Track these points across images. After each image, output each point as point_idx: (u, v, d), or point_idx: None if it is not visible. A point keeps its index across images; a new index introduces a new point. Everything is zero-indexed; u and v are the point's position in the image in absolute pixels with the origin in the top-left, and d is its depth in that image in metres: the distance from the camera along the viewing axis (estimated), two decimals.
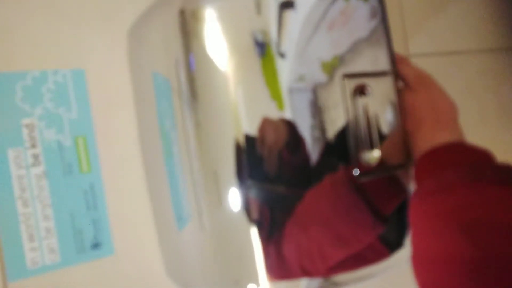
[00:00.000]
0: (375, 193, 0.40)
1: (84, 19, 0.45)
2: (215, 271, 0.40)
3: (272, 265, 0.38)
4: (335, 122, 0.39)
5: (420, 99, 0.41)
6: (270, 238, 0.38)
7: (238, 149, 0.37)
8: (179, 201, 0.41)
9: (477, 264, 0.29)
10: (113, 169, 0.46)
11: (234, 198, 0.38)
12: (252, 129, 0.37)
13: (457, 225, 0.31)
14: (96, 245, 0.44)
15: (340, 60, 0.40)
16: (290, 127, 0.38)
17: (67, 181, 0.43)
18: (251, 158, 0.37)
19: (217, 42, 0.37)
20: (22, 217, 0.41)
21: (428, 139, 0.39)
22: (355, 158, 0.40)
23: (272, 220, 0.38)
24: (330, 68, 0.39)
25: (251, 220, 0.38)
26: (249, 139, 0.37)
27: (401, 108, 0.42)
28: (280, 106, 0.38)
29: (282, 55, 0.38)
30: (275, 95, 0.38)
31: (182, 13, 0.38)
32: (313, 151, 0.39)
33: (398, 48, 0.60)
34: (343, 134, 0.39)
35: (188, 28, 0.38)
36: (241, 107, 0.37)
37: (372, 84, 0.41)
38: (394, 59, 0.42)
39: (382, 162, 0.40)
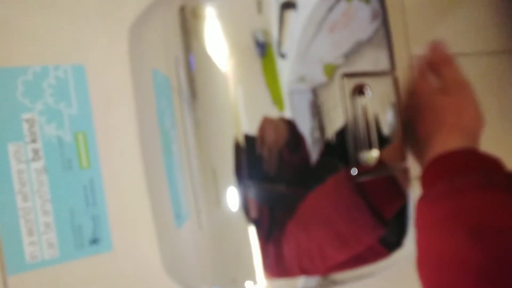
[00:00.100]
0: (376, 195, 0.40)
1: (85, 15, 0.45)
2: (213, 269, 0.40)
3: (270, 263, 0.39)
4: (335, 122, 0.39)
5: (449, 103, 0.41)
6: (269, 237, 0.38)
7: (238, 148, 0.37)
8: (177, 199, 0.41)
9: (487, 269, 0.29)
10: (113, 166, 0.46)
11: (233, 197, 0.38)
12: (251, 128, 0.37)
13: (467, 229, 0.31)
14: (94, 241, 0.44)
15: (341, 61, 0.40)
16: (290, 126, 0.38)
17: (66, 177, 0.44)
18: (250, 158, 0.37)
19: (217, 42, 0.37)
20: (21, 211, 0.41)
21: (443, 142, 0.39)
22: (354, 158, 0.40)
23: (272, 219, 0.38)
24: (332, 70, 0.39)
25: (250, 219, 0.38)
26: (248, 138, 0.37)
27: (399, 110, 0.42)
28: (280, 106, 0.38)
29: (283, 55, 0.38)
30: (275, 95, 0.38)
31: (182, 10, 0.38)
32: (313, 150, 0.39)
33: (400, 50, 0.60)
34: (342, 133, 0.39)
35: (188, 26, 0.38)
36: (241, 106, 0.37)
37: (372, 84, 0.41)
38: (394, 60, 0.42)
39: (380, 162, 0.40)
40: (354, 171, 0.39)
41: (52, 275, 0.43)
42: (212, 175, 0.38)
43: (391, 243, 0.42)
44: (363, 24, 0.41)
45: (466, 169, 0.36)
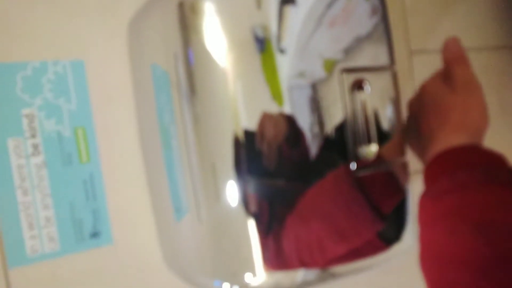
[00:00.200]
0: (374, 190, 0.40)
1: (84, 10, 0.45)
2: (212, 262, 0.41)
3: (270, 256, 0.39)
4: (334, 117, 0.39)
5: (456, 101, 0.40)
6: (268, 230, 0.38)
7: (237, 143, 0.37)
8: (177, 193, 0.41)
9: (491, 264, 0.29)
10: (112, 160, 0.46)
11: (232, 192, 0.38)
12: (251, 123, 0.37)
13: (472, 225, 0.31)
14: (95, 235, 0.45)
15: (340, 56, 0.40)
16: (290, 122, 0.38)
17: (66, 171, 0.44)
18: (250, 153, 0.38)
19: (216, 37, 0.37)
20: (22, 205, 0.42)
21: (446, 139, 0.39)
22: (353, 153, 0.40)
23: (271, 214, 0.38)
24: (331, 65, 0.39)
25: (249, 213, 0.38)
26: (248, 133, 0.37)
27: (398, 105, 0.42)
28: (279, 101, 0.38)
29: (282, 51, 0.38)
30: (275, 90, 0.38)
31: (181, 5, 0.38)
32: (313, 145, 0.39)
33: (400, 45, 0.60)
34: (341, 129, 0.40)
35: (187, 21, 0.38)
36: (240, 102, 0.38)
37: (371, 79, 0.41)
38: (394, 56, 0.42)
39: (379, 157, 0.41)
40: (353, 166, 0.40)
41: (52, 268, 0.43)
42: (211, 170, 0.38)
43: (390, 237, 0.43)
44: (362, 19, 0.41)
45: (469, 165, 0.36)
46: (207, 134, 0.38)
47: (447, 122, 0.40)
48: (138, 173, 0.47)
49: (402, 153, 0.42)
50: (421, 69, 0.46)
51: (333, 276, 0.41)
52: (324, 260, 0.41)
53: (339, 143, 0.40)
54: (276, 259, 0.39)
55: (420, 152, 0.43)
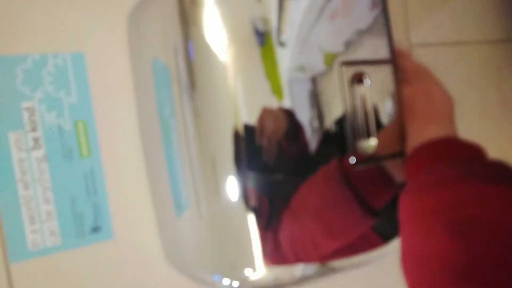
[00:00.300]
0: (364, 186, 0.40)
1: (84, 2, 0.45)
2: (212, 257, 0.41)
3: (269, 251, 0.39)
4: (333, 110, 0.39)
5: (415, 92, 0.41)
6: (268, 225, 0.38)
7: (237, 138, 0.37)
8: (177, 188, 0.41)
9: (467, 264, 0.28)
10: (113, 154, 0.46)
11: (232, 187, 0.38)
12: (251, 118, 0.37)
13: (447, 223, 0.31)
14: (95, 229, 0.45)
15: (340, 49, 0.40)
16: (289, 116, 0.38)
17: (67, 165, 0.44)
18: (250, 147, 0.38)
19: (216, 30, 0.37)
20: (23, 199, 0.42)
21: (419, 132, 0.38)
22: (352, 146, 0.40)
23: (271, 208, 0.38)
24: (331, 58, 0.39)
25: (249, 208, 0.38)
26: (248, 128, 0.37)
27: (398, 99, 0.42)
28: (279, 95, 0.38)
29: (282, 44, 0.38)
30: (275, 84, 0.38)
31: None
32: (312, 140, 0.39)
33: (400, 38, 0.60)
34: (341, 122, 0.39)
35: (187, 14, 0.38)
36: (240, 95, 0.37)
37: (370, 72, 0.40)
38: (394, 49, 0.42)
39: (378, 150, 0.41)
40: (352, 160, 0.40)
41: (54, 262, 0.43)
42: (211, 164, 0.38)
43: (388, 233, 0.43)
44: (363, 12, 0.41)
45: (446, 160, 0.35)
46: (207, 128, 0.38)
47: (415, 114, 0.40)
48: (138, 168, 0.47)
49: (400, 146, 0.42)
50: (418, 60, 0.46)
51: (332, 270, 0.41)
52: (318, 256, 0.41)
53: (339, 137, 0.40)
54: (275, 254, 0.39)
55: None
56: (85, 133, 0.45)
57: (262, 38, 0.37)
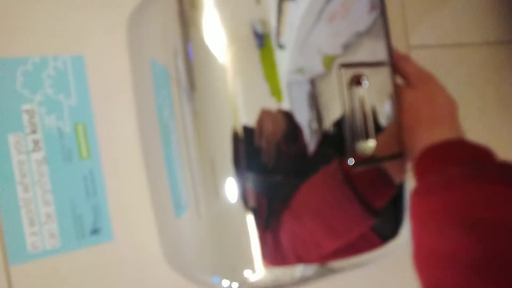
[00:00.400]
0: (365, 187, 0.40)
1: (84, 5, 0.45)
2: (212, 258, 0.41)
3: (269, 252, 0.39)
4: (332, 112, 0.40)
5: (419, 95, 0.41)
6: (267, 226, 0.39)
7: (236, 139, 0.37)
8: (177, 189, 0.41)
9: (481, 263, 0.29)
10: (113, 156, 0.46)
11: (231, 188, 0.38)
12: (250, 119, 0.37)
13: (461, 223, 0.31)
14: (95, 231, 0.45)
15: (339, 51, 0.40)
16: (289, 118, 0.38)
17: (67, 167, 0.44)
18: (249, 148, 0.38)
19: (215, 32, 0.37)
20: (22, 202, 0.42)
21: (426, 136, 0.39)
22: (351, 148, 0.40)
23: (270, 209, 0.38)
24: (330, 61, 0.39)
25: (248, 208, 0.38)
26: (247, 129, 0.37)
27: (399, 103, 0.42)
28: (278, 97, 0.38)
29: (281, 46, 0.38)
30: (274, 86, 0.38)
31: (180, 1, 0.38)
32: (311, 141, 0.39)
33: (399, 40, 0.60)
34: (339, 124, 0.40)
35: (186, 16, 0.38)
36: (239, 97, 0.38)
37: (369, 74, 0.41)
38: (392, 51, 0.42)
39: (376, 152, 0.41)
40: (351, 161, 0.40)
41: (53, 265, 0.43)
42: (210, 165, 0.38)
43: (387, 233, 0.43)
44: (361, 14, 0.41)
45: (456, 161, 0.36)
46: (206, 129, 0.38)
47: (420, 118, 0.40)
48: (138, 169, 0.47)
49: (399, 147, 0.42)
50: (420, 64, 0.46)
51: (332, 271, 0.41)
52: (319, 256, 0.41)
53: (337, 139, 0.40)
54: (275, 254, 0.39)
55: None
56: (84, 135, 0.45)
57: (261, 40, 0.37)
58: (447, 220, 0.32)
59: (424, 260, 0.34)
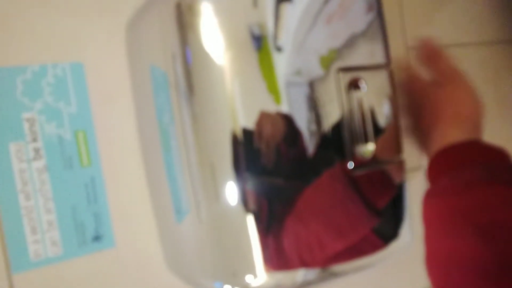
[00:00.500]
0: (368, 187, 0.40)
1: (82, 12, 0.45)
2: (213, 263, 0.41)
3: (270, 256, 0.39)
4: (331, 115, 0.40)
5: (444, 94, 0.40)
6: (268, 230, 0.38)
7: (235, 142, 0.37)
8: (177, 194, 0.41)
9: (493, 268, 0.28)
10: (113, 163, 0.46)
11: (232, 191, 0.38)
12: (249, 122, 0.37)
13: (474, 227, 0.31)
14: (97, 238, 0.45)
15: (337, 54, 0.40)
16: (288, 120, 0.38)
17: (68, 175, 0.44)
18: (248, 151, 0.38)
19: (213, 36, 0.37)
20: (24, 210, 0.42)
21: (443, 135, 0.38)
22: (350, 151, 0.40)
23: (271, 213, 0.38)
24: (328, 62, 0.40)
25: (249, 212, 0.38)
26: (246, 132, 0.37)
27: (395, 103, 0.42)
28: (277, 99, 0.38)
29: (278, 48, 0.38)
30: (272, 88, 0.38)
31: (178, 6, 0.38)
32: (310, 144, 0.39)
33: (397, 41, 0.60)
34: (338, 127, 0.40)
35: (184, 21, 0.38)
36: (237, 100, 0.38)
37: (367, 78, 0.41)
38: (389, 53, 0.42)
39: (376, 155, 0.41)
40: (350, 165, 0.40)
41: (56, 272, 0.43)
42: (210, 169, 0.38)
43: (388, 235, 0.42)
44: (359, 16, 0.41)
45: (470, 163, 0.36)
46: (205, 132, 0.38)
47: (441, 117, 0.40)
48: (138, 175, 0.47)
49: (398, 151, 0.42)
50: (418, 65, 0.46)
51: (333, 275, 0.41)
52: (324, 257, 0.40)
53: (337, 142, 0.40)
54: (277, 258, 0.39)
55: (424, 150, 0.43)
56: (85, 142, 0.45)
57: (259, 42, 0.38)
58: (460, 223, 0.32)
59: (437, 264, 0.33)
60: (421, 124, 0.42)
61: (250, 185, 0.38)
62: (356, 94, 0.40)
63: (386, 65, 0.42)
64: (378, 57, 0.42)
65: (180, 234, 0.43)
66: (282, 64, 0.38)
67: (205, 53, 0.37)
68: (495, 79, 0.73)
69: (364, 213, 0.40)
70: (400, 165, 0.42)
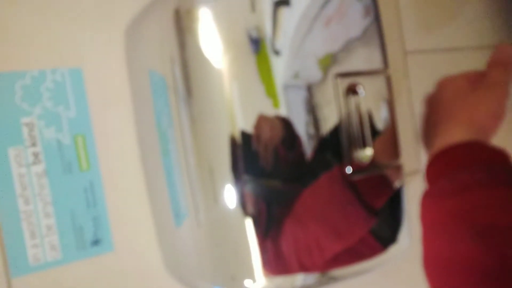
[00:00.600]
0: (366, 189, 0.40)
1: (81, 18, 0.45)
2: (212, 267, 0.41)
3: (269, 260, 0.39)
4: (329, 120, 0.40)
5: (470, 98, 0.39)
6: (267, 233, 0.38)
7: (234, 145, 0.38)
8: (176, 198, 0.41)
9: (492, 270, 0.28)
10: (112, 167, 0.46)
11: (230, 194, 0.38)
12: (247, 125, 0.37)
13: (472, 229, 0.31)
14: (96, 242, 0.45)
15: (334, 58, 0.40)
16: (286, 124, 0.38)
17: (67, 179, 0.44)
18: (247, 155, 0.38)
19: (211, 40, 0.38)
20: (23, 214, 0.42)
21: (448, 133, 0.38)
22: (348, 156, 0.40)
23: (269, 216, 0.38)
24: (325, 65, 0.40)
25: (248, 215, 0.38)
26: (244, 135, 0.38)
27: (393, 107, 0.42)
28: (275, 103, 0.38)
29: (276, 52, 0.38)
30: (270, 92, 0.38)
31: (177, 12, 0.38)
32: (308, 148, 0.39)
33: (395, 45, 0.60)
34: (336, 132, 0.40)
35: (183, 26, 0.38)
36: (236, 103, 0.38)
37: (365, 83, 0.41)
38: (387, 59, 0.42)
39: (374, 160, 0.41)
40: (348, 170, 0.40)
41: (55, 276, 0.43)
42: (209, 173, 0.39)
43: (386, 239, 0.42)
44: (356, 20, 0.41)
45: (470, 164, 0.35)
46: (204, 136, 0.39)
47: (454, 116, 0.39)
48: (137, 179, 0.47)
49: (396, 155, 0.42)
50: (416, 69, 0.46)
51: (333, 279, 0.41)
52: (323, 261, 0.40)
53: (335, 146, 0.40)
54: (276, 262, 0.39)
55: (426, 143, 0.43)
56: (84, 146, 0.45)
57: (257, 46, 0.38)
58: (458, 226, 0.32)
59: (434, 266, 0.33)
60: (433, 118, 0.42)
61: (249, 189, 0.38)
62: (354, 99, 0.40)
63: (384, 70, 0.42)
64: (376, 62, 0.42)
65: (179, 237, 0.43)
66: (280, 67, 0.38)
67: (204, 57, 0.38)
68: None
69: (362, 214, 0.40)
70: (398, 169, 0.42)
